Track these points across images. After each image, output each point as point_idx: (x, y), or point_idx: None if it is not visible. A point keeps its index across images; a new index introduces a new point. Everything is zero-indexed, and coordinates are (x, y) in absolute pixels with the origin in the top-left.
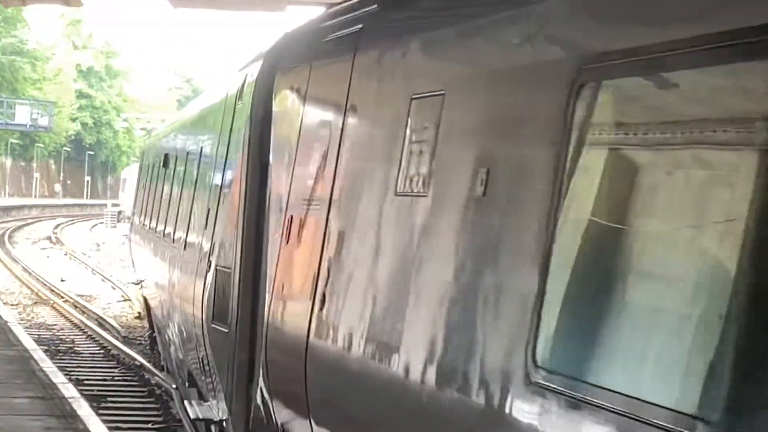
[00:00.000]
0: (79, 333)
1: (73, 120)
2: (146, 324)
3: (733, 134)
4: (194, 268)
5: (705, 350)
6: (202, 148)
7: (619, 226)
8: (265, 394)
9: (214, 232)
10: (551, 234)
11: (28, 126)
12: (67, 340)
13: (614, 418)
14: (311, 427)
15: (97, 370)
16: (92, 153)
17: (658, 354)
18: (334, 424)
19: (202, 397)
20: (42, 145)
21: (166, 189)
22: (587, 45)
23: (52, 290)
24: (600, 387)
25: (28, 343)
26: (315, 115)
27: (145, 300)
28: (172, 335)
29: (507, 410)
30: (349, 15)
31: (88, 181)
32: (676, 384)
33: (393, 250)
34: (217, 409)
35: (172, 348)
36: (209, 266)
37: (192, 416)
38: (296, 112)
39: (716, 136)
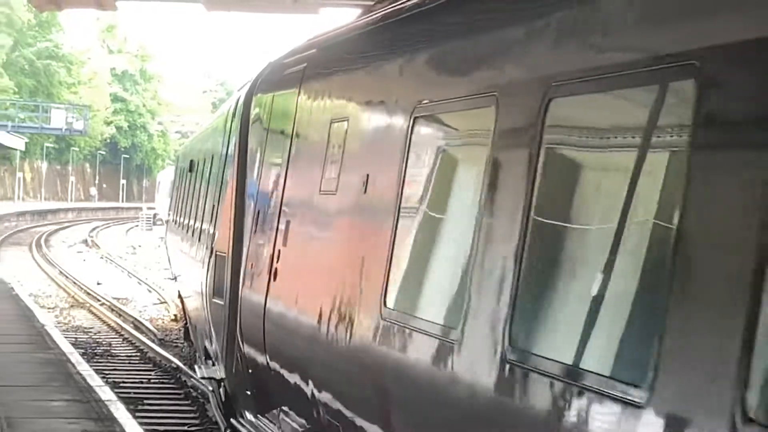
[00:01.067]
0: (116, 336)
1: (108, 124)
2: (182, 326)
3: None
4: (205, 256)
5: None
6: (212, 156)
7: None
8: (241, 347)
9: (215, 225)
10: (397, 213)
11: (63, 130)
12: (104, 343)
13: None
14: (267, 362)
15: (134, 372)
16: (127, 156)
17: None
18: (281, 358)
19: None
20: (77, 149)
21: (191, 191)
22: (418, 93)
23: (89, 293)
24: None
25: (65, 346)
26: (273, 133)
27: (179, 293)
28: (196, 318)
29: (365, 340)
30: (299, 55)
31: (123, 185)
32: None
33: (312, 234)
34: (219, 370)
35: (197, 329)
36: (211, 252)
37: (199, 375)
38: (261, 131)
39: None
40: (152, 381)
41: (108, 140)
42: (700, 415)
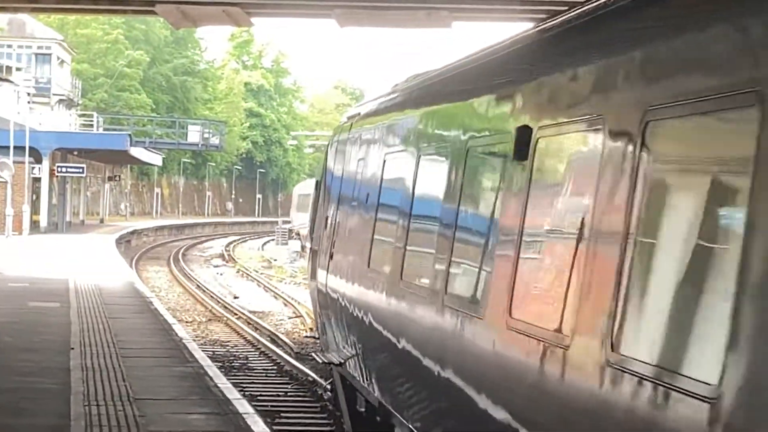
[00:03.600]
0: (252, 349)
1: (244, 138)
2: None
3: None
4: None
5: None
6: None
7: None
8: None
9: (314, 230)
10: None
11: (199, 145)
12: (241, 356)
13: None
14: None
15: (271, 386)
16: (263, 171)
17: None
18: (340, 326)
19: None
20: (213, 164)
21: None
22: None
23: (226, 307)
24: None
25: (203, 359)
26: (341, 160)
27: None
28: None
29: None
30: (352, 111)
31: (259, 199)
32: None
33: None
34: (336, 355)
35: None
36: (311, 251)
37: (319, 361)
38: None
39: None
40: (288, 394)
41: (243, 155)
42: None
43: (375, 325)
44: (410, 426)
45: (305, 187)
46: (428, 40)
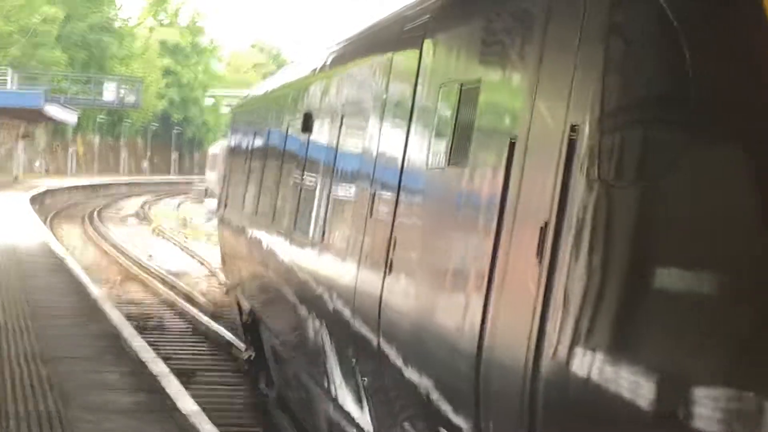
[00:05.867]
0: (168, 309)
1: (160, 97)
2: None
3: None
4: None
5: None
6: None
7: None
8: None
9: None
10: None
11: (115, 103)
12: (156, 316)
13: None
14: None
15: (186, 345)
16: (179, 130)
17: None
18: (232, 259)
19: None
20: (129, 123)
21: None
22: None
23: (141, 266)
24: None
25: (118, 319)
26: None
27: None
28: None
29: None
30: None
31: (175, 158)
32: None
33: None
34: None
35: None
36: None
37: (223, 285)
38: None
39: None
40: (204, 354)
41: (160, 114)
42: None
43: (251, 255)
44: (264, 320)
45: (220, 147)
46: None
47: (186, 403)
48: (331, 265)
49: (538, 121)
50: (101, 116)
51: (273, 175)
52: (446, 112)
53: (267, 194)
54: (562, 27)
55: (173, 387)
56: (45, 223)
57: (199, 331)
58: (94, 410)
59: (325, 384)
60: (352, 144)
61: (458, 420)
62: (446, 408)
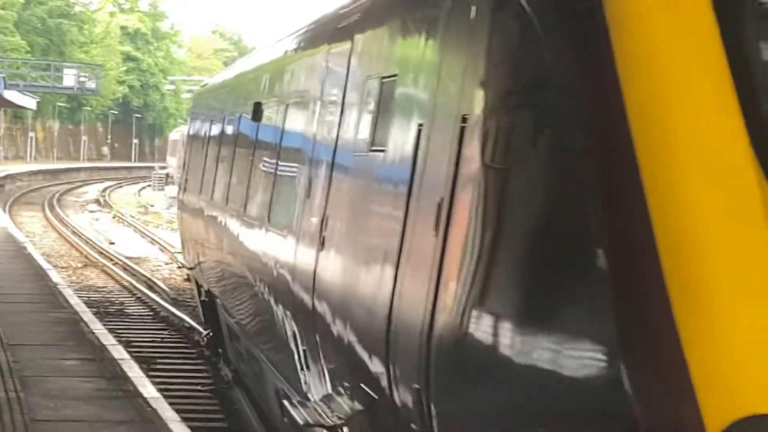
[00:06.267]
0: (128, 295)
1: (121, 83)
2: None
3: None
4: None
5: None
6: None
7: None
8: None
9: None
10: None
11: (75, 89)
12: (117, 302)
13: None
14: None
15: (147, 332)
16: (139, 116)
17: None
18: (189, 242)
19: None
20: (89, 108)
21: None
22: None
23: (101, 253)
24: None
25: (78, 305)
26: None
27: None
28: None
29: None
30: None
31: (135, 144)
32: None
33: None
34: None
35: None
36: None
37: (182, 267)
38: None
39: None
40: (165, 340)
41: (120, 100)
42: None
43: (207, 236)
44: (219, 299)
45: (180, 133)
46: None
47: (147, 389)
48: (275, 243)
49: (439, 112)
50: (61, 102)
51: (226, 161)
52: (370, 102)
53: (220, 179)
54: (456, 32)
55: (134, 373)
56: (4, 209)
57: (159, 317)
58: (54, 396)
59: (272, 355)
60: (293, 132)
61: (375, 369)
62: (366, 362)
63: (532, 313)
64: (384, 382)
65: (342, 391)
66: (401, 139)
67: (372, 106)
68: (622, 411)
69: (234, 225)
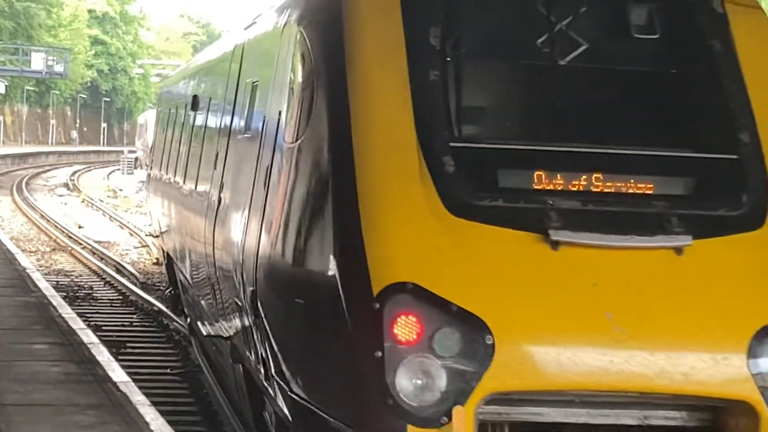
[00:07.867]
0: (97, 279)
1: (89, 67)
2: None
3: None
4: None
5: None
6: None
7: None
8: None
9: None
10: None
11: (43, 73)
12: (86, 286)
13: None
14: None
15: (116, 316)
16: (108, 100)
17: None
18: (155, 216)
19: None
20: (58, 92)
21: None
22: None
23: (70, 237)
24: None
25: (47, 289)
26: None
27: None
28: None
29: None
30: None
31: (104, 128)
32: None
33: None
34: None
35: None
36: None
37: (149, 236)
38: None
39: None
40: (134, 324)
41: (89, 83)
42: None
43: (166, 206)
44: (175, 260)
45: (147, 117)
46: None
47: (116, 373)
48: (199, 207)
49: (271, 109)
50: (29, 86)
51: (176, 142)
52: (246, 99)
53: (172, 157)
54: (283, 54)
55: (103, 357)
56: None
57: (129, 301)
58: (23, 381)
59: (202, 298)
60: (211, 120)
61: (240, 288)
62: (236, 285)
63: (299, 237)
64: (242, 295)
65: (228, 311)
66: (256, 127)
67: (247, 102)
68: (335, 278)
69: (177, 195)
